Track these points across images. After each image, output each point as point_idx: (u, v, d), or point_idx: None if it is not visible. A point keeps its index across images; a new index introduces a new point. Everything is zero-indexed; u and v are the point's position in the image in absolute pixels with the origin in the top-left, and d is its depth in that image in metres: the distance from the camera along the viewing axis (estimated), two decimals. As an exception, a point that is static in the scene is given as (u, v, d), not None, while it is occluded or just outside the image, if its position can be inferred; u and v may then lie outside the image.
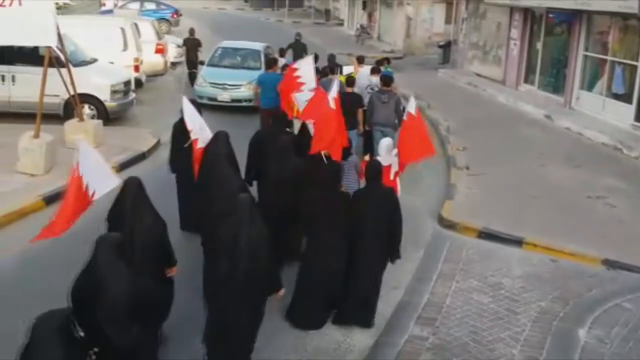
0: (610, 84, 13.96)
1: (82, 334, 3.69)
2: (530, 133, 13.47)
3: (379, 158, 7.12)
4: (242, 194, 5.35)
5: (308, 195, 6.18)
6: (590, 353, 5.76)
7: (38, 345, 3.45)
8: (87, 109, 11.83)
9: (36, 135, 9.44)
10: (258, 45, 16.15)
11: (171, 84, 17.30)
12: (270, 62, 12.30)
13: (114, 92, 12.29)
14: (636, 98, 12.84)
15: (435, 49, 24.10)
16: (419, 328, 6.01)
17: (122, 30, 14.70)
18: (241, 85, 14.38)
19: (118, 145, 10.76)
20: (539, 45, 16.98)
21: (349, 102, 9.35)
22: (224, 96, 14.25)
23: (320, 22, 38.37)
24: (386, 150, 7.28)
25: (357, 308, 6.02)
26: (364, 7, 33.23)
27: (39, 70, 9.98)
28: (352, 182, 7.17)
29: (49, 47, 10.05)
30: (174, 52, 18.90)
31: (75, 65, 11.07)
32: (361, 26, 30.88)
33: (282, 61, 13.29)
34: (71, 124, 10.72)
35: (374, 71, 11.17)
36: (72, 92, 10.58)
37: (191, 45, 16.91)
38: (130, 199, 5.06)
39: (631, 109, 13.06)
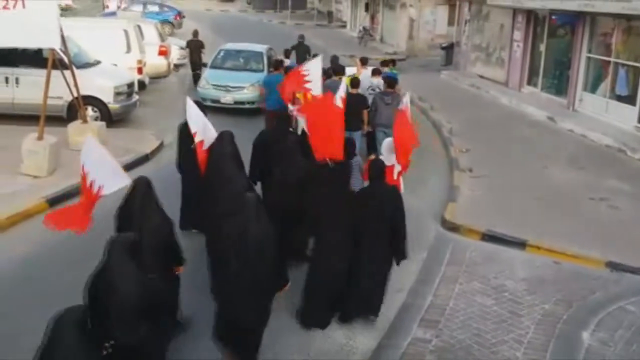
0: (613, 86, 13.94)
1: (96, 328, 3.86)
2: (533, 135, 13.46)
3: (381, 158, 7.14)
4: (249, 193, 5.43)
5: (313, 195, 6.19)
6: (594, 355, 5.75)
7: (59, 338, 3.60)
8: (90, 111, 11.85)
9: (40, 137, 9.46)
10: (260, 47, 16.15)
11: (174, 86, 17.32)
12: (276, 64, 12.32)
13: (117, 94, 12.30)
14: (640, 100, 12.85)
15: (438, 51, 24.08)
16: (422, 330, 6.00)
17: (126, 32, 14.72)
18: (244, 88, 14.38)
19: (121, 147, 10.77)
20: (542, 47, 16.96)
21: (354, 103, 9.37)
22: (227, 98, 14.25)
23: (322, 24, 38.39)
24: (389, 150, 7.30)
25: (360, 307, 6.05)
26: (367, 9, 33.24)
27: (42, 72, 10.02)
28: (357, 182, 7.19)
29: (53, 49, 10.08)
30: (177, 54, 18.93)
31: (78, 68, 11.09)
32: (364, 28, 30.89)
33: (286, 62, 13.30)
34: (74, 126, 10.74)
35: (374, 72, 11.25)
36: (75, 94, 10.61)
37: (194, 47, 17.14)
38: (139, 198, 5.15)
39: (635, 110, 13.05)
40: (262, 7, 45.85)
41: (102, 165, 5.50)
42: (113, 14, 26.04)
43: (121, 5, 31.60)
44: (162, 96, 15.71)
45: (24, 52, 11.59)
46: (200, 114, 7.11)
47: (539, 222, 8.54)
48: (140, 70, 14.59)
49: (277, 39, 21.68)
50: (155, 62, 16.18)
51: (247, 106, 14.18)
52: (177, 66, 18.89)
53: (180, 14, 31.52)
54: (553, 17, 16.41)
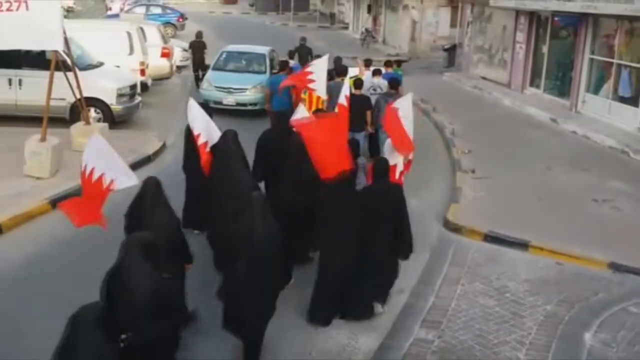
0: (616, 87, 13.93)
1: (113, 324, 3.99)
2: (536, 136, 13.45)
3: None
4: (255, 192, 5.49)
5: (321, 194, 6.23)
6: (597, 357, 5.73)
7: (79, 334, 3.75)
8: (93, 113, 11.87)
9: (43, 139, 9.49)
10: (263, 49, 16.18)
11: (177, 88, 17.36)
12: (282, 65, 12.36)
13: (120, 95, 12.33)
14: (643, 101, 12.83)
15: (440, 53, 24.08)
16: (424, 331, 6.00)
17: (128, 34, 14.77)
18: (246, 89, 14.41)
19: (124, 148, 10.72)
20: (545, 49, 16.95)
21: (357, 104, 9.38)
22: (229, 100, 14.27)
23: (325, 26, 38.42)
24: (391, 150, 7.32)
25: (363, 303, 6.12)
26: (369, 10, 33.26)
27: (45, 74, 10.05)
28: (361, 183, 7.20)
29: (56, 51, 10.12)
30: (179, 55, 18.99)
31: (81, 69, 11.12)
32: (366, 30, 30.92)
33: (291, 63, 13.34)
34: (77, 128, 10.77)
35: (375, 73, 11.30)
36: (78, 96, 10.63)
37: (197, 48, 17.25)
38: (150, 198, 5.25)
39: (638, 112, 13.03)
40: (264, 9, 45.92)
41: (111, 161, 5.60)
42: (116, 16, 26.13)
43: (124, 7, 31.70)
44: (164, 98, 15.74)
45: (27, 53, 11.62)
46: (204, 114, 7.12)
47: (542, 223, 8.53)
48: (142, 72, 14.63)
49: (280, 40, 21.71)
50: (157, 64, 16.23)
51: (249, 108, 14.20)
52: (179, 68, 18.95)
53: (182, 16, 31.60)
54: (555, 18, 16.41)
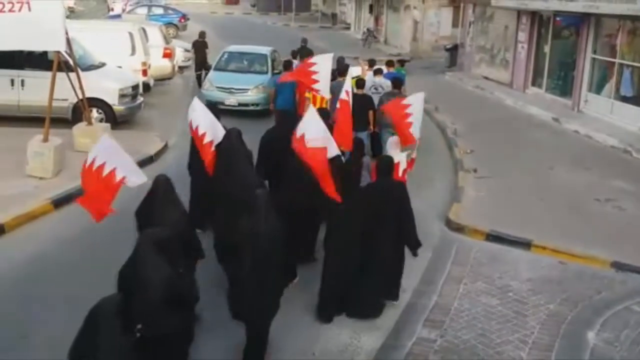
0: (618, 87, 13.91)
1: (129, 316, 4.12)
2: (538, 136, 13.43)
3: None
4: (259, 190, 5.53)
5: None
6: (600, 356, 5.72)
7: (100, 322, 3.89)
8: (95, 113, 11.88)
9: (45, 139, 9.50)
10: (265, 50, 16.18)
11: (179, 88, 17.39)
12: (286, 65, 12.38)
13: (122, 96, 12.34)
14: (645, 100, 12.81)
15: (442, 53, 24.07)
16: (426, 330, 5.99)
17: (130, 34, 14.78)
18: (248, 90, 14.41)
19: (126, 149, 10.70)
20: (547, 48, 16.94)
21: (360, 104, 9.38)
22: (231, 100, 14.27)
23: (326, 26, 38.45)
24: (394, 148, 7.36)
25: (368, 302, 6.14)
26: (371, 10, 33.26)
27: (47, 74, 10.06)
28: (365, 181, 7.23)
29: (58, 52, 10.13)
30: (181, 56, 19.01)
31: (83, 70, 11.13)
32: (368, 30, 30.91)
33: (295, 62, 13.34)
34: (79, 128, 10.79)
35: (377, 72, 11.31)
36: (80, 96, 10.65)
37: (199, 47, 17.37)
38: (161, 194, 5.34)
39: (640, 111, 13.02)
40: (266, 10, 45.95)
41: (122, 159, 5.71)
42: (118, 16, 26.11)
43: (126, 8, 31.75)
44: (166, 98, 15.76)
45: (30, 54, 11.65)
46: (208, 113, 7.12)
47: (544, 222, 8.53)
48: (144, 73, 14.64)
49: (281, 41, 21.73)
50: (159, 65, 16.24)
51: (251, 108, 14.20)
52: (181, 68, 18.98)
53: (184, 17, 31.65)
54: (557, 18, 16.40)
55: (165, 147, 11.47)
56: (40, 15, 9.56)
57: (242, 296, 5.19)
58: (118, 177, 5.57)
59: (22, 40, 9.73)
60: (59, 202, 8.50)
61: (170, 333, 4.43)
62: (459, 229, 8.38)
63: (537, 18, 17.21)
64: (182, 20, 31.19)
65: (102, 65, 12.73)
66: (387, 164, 6.37)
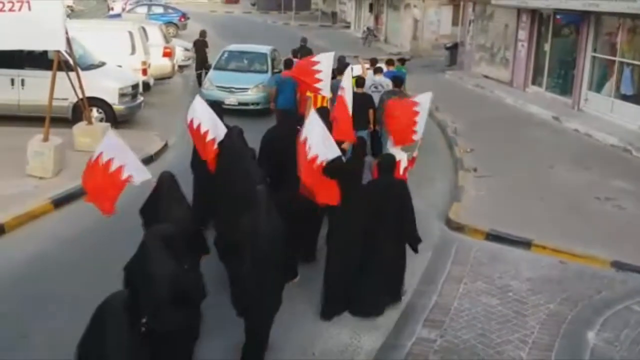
0: (619, 85, 13.90)
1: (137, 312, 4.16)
2: (538, 135, 13.43)
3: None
4: (259, 186, 5.55)
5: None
6: (600, 356, 5.72)
7: (107, 317, 3.93)
8: (95, 112, 11.88)
9: (45, 139, 9.50)
10: (265, 49, 16.16)
11: (179, 87, 17.39)
12: (287, 63, 12.37)
13: (122, 95, 12.34)
14: (645, 99, 12.80)
15: (442, 51, 24.07)
16: (426, 330, 5.99)
17: (130, 34, 14.77)
18: (248, 89, 14.40)
19: (126, 148, 10.80)
20: (547, 47, 16.93)
21: (360, 102, 9.37)
22: (231, 100, 14.26)
23: (327, 25, 38.41)
24: (394, 146, 7.39)
25: (370, 300, 6.17)
26: (371, 9, 33.24)
27: (47, 74, 10.05)
28: (367, 180, 7.24)
29: (58, 51, 10.13)
30: (181, 55, 19.01)
31: (83, 69, 11.12)
32: (368, 28, 30.90)
33: (296, 61, 13.34)
34: (80, 127, 10.79)
35: (377, 71, 11.31)
36: (80, 96, 10.65)
37: (199, 46, 17.39)
38: (166, 190, 5.37)
39: (640, 110, 13.01)
40: (266, 9, 45.92)
41: (127, 155, 5.72)
42: (118, 15, 26.11)
43: (126, 7, 31.73)
44: (166, 97, 15.76)
45: (30, 54, 11.64)
46: (211, 111, 7.12)
47: (544, 221, 8.52)
48: (144, 72, 14.63)
49: (281, 40, 21.72)
50: (159, 64, 16.23)
51: (251, 107, 14.19)
52: (181, 67, 18.97)
53: (184, 16, 31.63)
54: (558, 16, 16.38)
55: (165, 146, 11.47)
56: (40, 14, 9.56)
57: (242, 294, 5.22)
58: (124, 174, 5.60)
59: (22, 39, 9.73)
60: (59, 202, 8.51)
61: (176, 330, 4.46)
62: (459, 228, 8.38)
63: (537, 16, 17.20)
64: (182, 19, 31.17)
65: (102, 64, 12.72)
66: (390, 162, 6.42)
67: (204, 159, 6.99)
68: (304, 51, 16.72)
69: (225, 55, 15.94)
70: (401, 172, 7.02)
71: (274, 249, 5.09)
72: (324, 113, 8.28)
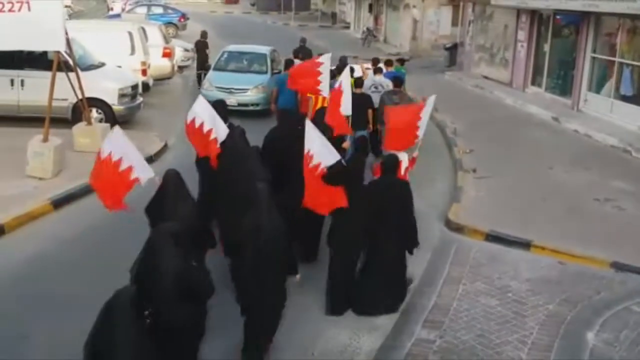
0: (618, 86, 13.91)
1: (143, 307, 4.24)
2: (538, 135, 13.43)
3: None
4: (260, 184, 5.56)
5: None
6: (599, 356, 5.72)
7: (115, 313, 3.97)
8: (95, 113, 11.88)
9: (45, 139, 9.50)
10: (264, 49, 16.17)
11: (178, 88, 17.39)
12: (287, 64, 12.38)
13: (121, 95, 12.34)
14: (645, 100, 12.81)
15: (441, 52, 24.07)
16: (426, 331, 6.00)
17: (130, 34, 14.78)
18: (247, 90, 14.40)
19: (126, 149, 10.80)
20: (547, 47, 16.93)
21: (359, 103, 9.38)
22: (231, 100, 14.18)
23: (326, 25, 38.43)
24: None
25: (371, 299, 6.20)
26: (370, 10, 33.26)
27: (47, 74, 10.06)
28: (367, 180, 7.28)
29: (58, 52, 10.13)
30: (181, 55, 19.02)
31: (83, 70, 11.13)
32: (367, 29, 30.91)
33: (296, 62, 13.35)
34: (79, 128, 10.79)
35: (377, 71, 11.36)
36: (80, 96, 10.65)
37: (200, 47, 17.46)
38: (172, 188, 5.41)
39: None
40: (265, 9, 45.94)
41: (133, 154, 5.77)
42: (117, 16, 26.11)
43: (125, 8, 31.74)
44: (166, 98, 15.76)
45: (30, 54, 11.65)
46: (212, 111, 7.13)
47: (544, 222, 8.53)
48: (144, 72, 14.64)
49: (281, 40, 21.72)
50: (159, 64, 16.24)
51: (251, 108, 14.18)
52: (181, 68, 18.98)
53: (184, 16, 31.64)
54: (557, 17, 16.39)
55: (165, 146, 11.48)
56: (40, 15, 9.57)
57: (245, 292, 5.26)
58: (133, 175, 5.65)
59: (22, 40, 9.74)
60: (59, 203, 8.51)
61: (181, 327, 4.48)
62: (458, 229, 8.39)
63: (536, 17, 17.20)
64: (182, 20, 31.18)
65: (102, 65, 12.73)
66: (393, 162, 6.44)
67: (202, 156, 7.04)
68: (303, 51, 16.75)
69: (225, 55, 15.93)
70: (402, 172, 7.03)
71: (276, 248, 5.12)
72: (323, 114, 8.31)
